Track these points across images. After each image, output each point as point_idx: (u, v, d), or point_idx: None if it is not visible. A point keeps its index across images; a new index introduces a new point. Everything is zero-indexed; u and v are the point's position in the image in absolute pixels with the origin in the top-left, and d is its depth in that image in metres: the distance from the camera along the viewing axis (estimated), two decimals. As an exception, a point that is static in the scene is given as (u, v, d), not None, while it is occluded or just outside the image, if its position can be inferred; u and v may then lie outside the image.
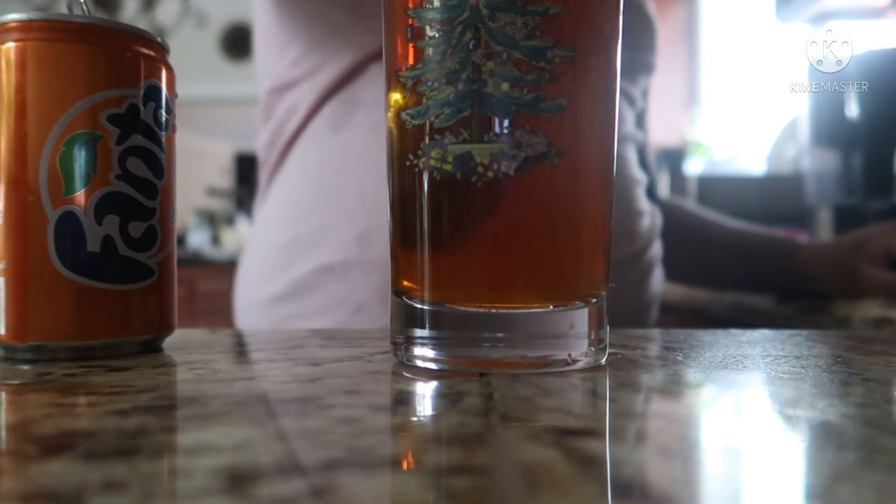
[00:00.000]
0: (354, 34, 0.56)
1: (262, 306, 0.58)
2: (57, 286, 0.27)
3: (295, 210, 0.58)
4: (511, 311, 0.25)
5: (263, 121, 0.64)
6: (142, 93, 0.29)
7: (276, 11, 0.60)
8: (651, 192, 0.80)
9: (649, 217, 0.66)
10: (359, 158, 0.56)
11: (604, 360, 0.27)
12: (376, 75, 0.56)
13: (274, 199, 0.62)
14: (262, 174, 0.65)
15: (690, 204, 0.93)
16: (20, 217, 0.27)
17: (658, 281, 0.69)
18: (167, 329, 0.31)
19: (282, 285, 0.57)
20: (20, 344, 0.27)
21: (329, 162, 0.57)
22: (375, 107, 0.56)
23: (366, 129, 0.56)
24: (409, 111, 0.26)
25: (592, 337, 0.26)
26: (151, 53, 0.30)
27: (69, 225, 0.27)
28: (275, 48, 0.61)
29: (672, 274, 0.88)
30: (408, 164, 0.26)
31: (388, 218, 0.28)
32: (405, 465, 0.16)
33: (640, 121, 0.74)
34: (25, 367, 0.26)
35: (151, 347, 0.31)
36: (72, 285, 0.27)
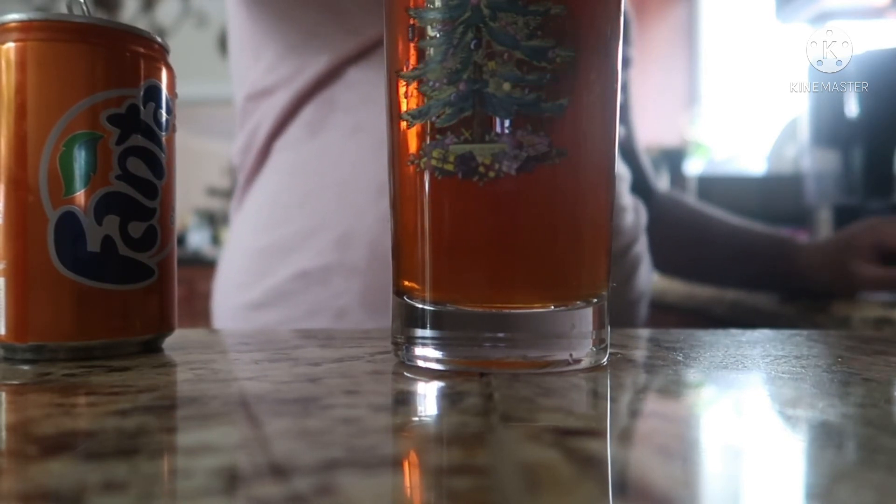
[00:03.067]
0: (330, 37, 0.56)
1: (240, 313, 0.57)
2: (57, 286, 0.27)
3: (273, 215, 0.58)
4: (512, 311, 0.25)
5: (239, 126, 0.63)
6: (142, 93, 0.29)
7: (249, 18, 0.60)
8: (646, 186, 0.80)
9: (633, 213, 0.66)
10: (337, 162, 0.55)
11: (604, 360, 0.27)
12: (354, 78, 0.56)
13: (251, 204, 0.61)
14: (239, 179, 0.64)
15: (691, 199, 0.92)
16: (20, 217, 0.27)
17: (645, 277, 0.69)
18: (167, 329, 0.31)
19: (260, 292, 0.56)
20: (20, 344, 0.27)
21: (307, 166, 0.57)
22: (353, 109, 0.55)
23: (344, 132, 0.56)
24: (410, 111, 0.26)
25: (593, 337, 0.26)
26: (151, 53, 0.30)
27: (69, 225, 0.27)
28: (249, 55, 0.61)
29: (672, 271, 0.88)
30: (409, 164, 0.26)
31: (389, 218, 0.28)
32: (405, 465, 0.16)
33: (622, 115, 0.74)
34: (25, 367, 0.26)
35: (151, 347, 0.31)
36: (72, 285, 0.27)
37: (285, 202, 0.57)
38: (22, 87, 0.27)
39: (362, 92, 0.55)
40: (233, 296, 0.59)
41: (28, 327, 0.27)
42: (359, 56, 0.56)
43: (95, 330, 0.28)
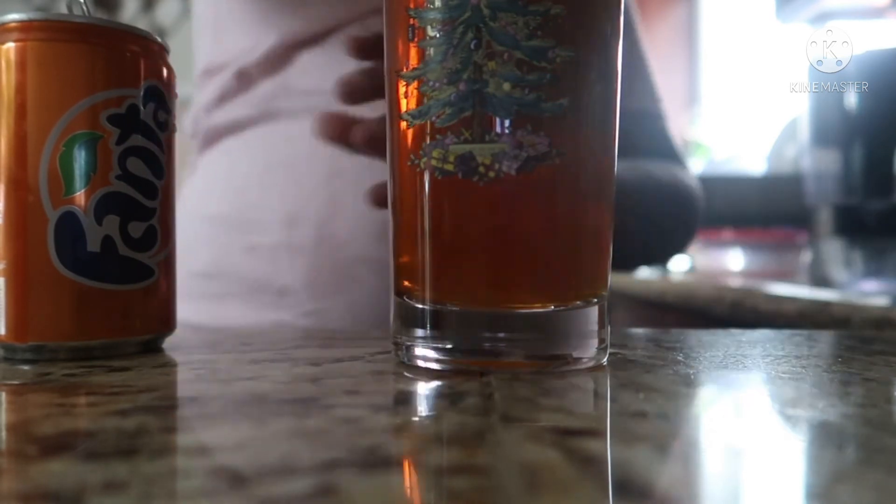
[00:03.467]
0: (286, 22, 0.56)
1: (184, 279, 0.57)
2: (57, 286, 0.27)
3: (226, 188, 0.58)
4: (512, 311, 0.25)
5: (196, 95, 0.64)
6: (142, 93, 0.29)
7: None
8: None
9: None
10: (290, 143, 0.56)
11: (604, 360, 0.27)
12: (307, 62, 0.56)
13: (204, 173, 0.62)
14: (193, 146, 0.65)
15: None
16: (20, 217, 0.27)
17: None
18: (167, 329, 0.31)
19: (205, 262, 0.56)
20: (20, 344, 0.27)
21: (261, 144, 0.57)
22: (306, 94, 0.56)
23: (298, 115, 0.56)
24: (410, 111, 0.26)
25: (593, 337, 0.26)
26: (151, 53, 0.30)
27: (69, 225, 0.27)
28: (210, 34, 0.62)
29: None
30: (409, 164, 0.26)
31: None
32: (405, 465, 0.16)
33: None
34: (25, 367, 0.26)
35: (151, 347, 0.31)
36: (72, 285, 0.27)
37: (239, 177, 0.58)
38: (22, 87, 0.27)
39: (316, 76, 0.56)
40: (178, 262, 0.58)
41: (28, 327, 0.27)
42: (312, 41, 0.56)
43: (95, 330, 0.28)
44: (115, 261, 0.28)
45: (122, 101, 0.28)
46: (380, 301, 0.53)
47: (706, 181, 1.51)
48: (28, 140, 0.27)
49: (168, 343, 0.32)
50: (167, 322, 0.31)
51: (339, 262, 0.53)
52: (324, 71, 0.55)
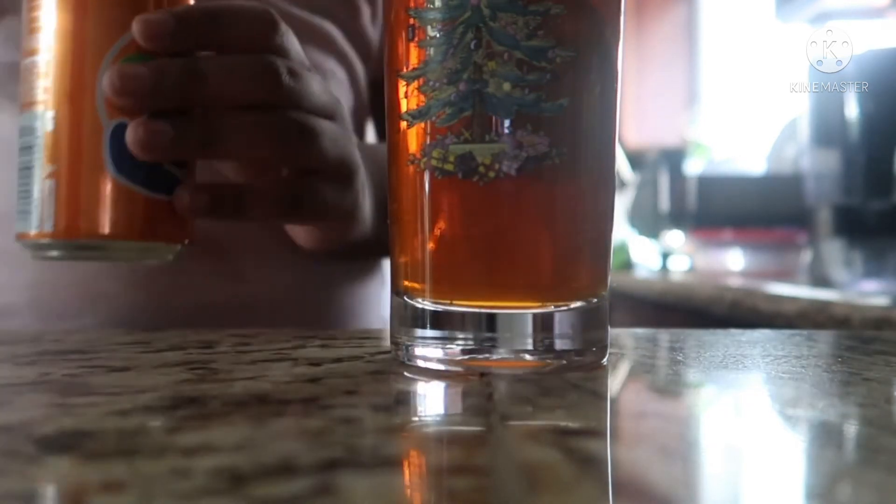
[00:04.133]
0: None
1: None
2: (108, 190, 0.29)
3: None
4: (512, 311, 0.25)
5: None
6: None
7: None
8: None
9: None
10: (6, 140, 0.39)
11: (604, 360, 0.27)
12: None
13: None
14: None
15: None
16: (76, 125, 0.29)
17: None
18: (194, 238, 0.33)
19: None
20: (70, 241, 0.30)
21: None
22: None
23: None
24: (410, 111, 0.26)
25: (593, 337, 0.26)
26: None
27: (123, 136, 0.29)
28: None
29: None
30: (409, 164, 0.26)
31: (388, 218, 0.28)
32: (405, 465, 0.16)
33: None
34: (25, 368, 0.27)
35: (179, 254, 0.33)
36: (122, 190, 0.29)
37: None
38: (83, 3, 0.29)
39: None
40: None
41: (78, 226, 0.29)
42: None
43: (141, 232, 0.30)
44: (160, 172, 0.30)
45: None
46: (135, 318, 0.42)
47: (706, 181, 1.51)
48: (86, 56, 0.29)
49: (168, 343, 0.32)
50: (192, 231, 0.33)
51: (79, 273, 0.42)
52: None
